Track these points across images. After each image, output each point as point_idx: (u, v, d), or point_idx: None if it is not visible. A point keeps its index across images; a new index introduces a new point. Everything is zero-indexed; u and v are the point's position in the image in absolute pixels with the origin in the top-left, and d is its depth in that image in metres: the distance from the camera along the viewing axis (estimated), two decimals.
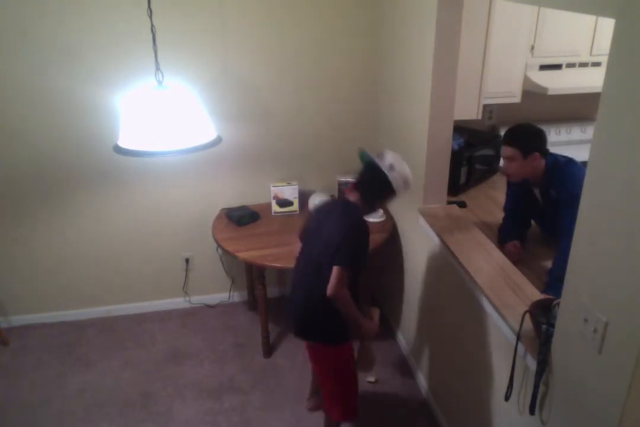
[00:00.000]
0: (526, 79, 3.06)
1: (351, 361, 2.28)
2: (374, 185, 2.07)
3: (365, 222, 2.11)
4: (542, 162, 2.30)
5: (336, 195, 3.28)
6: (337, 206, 2.18)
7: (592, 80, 3.07)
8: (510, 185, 2.56)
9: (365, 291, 3.15)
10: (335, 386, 2.31)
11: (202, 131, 2.10)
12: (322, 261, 2.04)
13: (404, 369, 2.99)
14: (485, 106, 3.11)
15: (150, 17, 2.01)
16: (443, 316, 2.49)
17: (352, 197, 2.12)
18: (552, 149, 2.38)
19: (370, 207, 2.14)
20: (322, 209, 2.28)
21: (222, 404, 2.78)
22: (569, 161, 2.31)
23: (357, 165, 2.35)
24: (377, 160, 2.05)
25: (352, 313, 2.06)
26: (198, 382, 2.92)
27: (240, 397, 2.82)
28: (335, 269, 1.97)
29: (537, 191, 2.41)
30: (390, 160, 2.03)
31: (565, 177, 2.25)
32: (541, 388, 1.59)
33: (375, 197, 2.12)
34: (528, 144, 2.27)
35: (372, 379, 2.87)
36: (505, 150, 2.30)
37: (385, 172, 2.01)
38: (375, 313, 2.28)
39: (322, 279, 2.00)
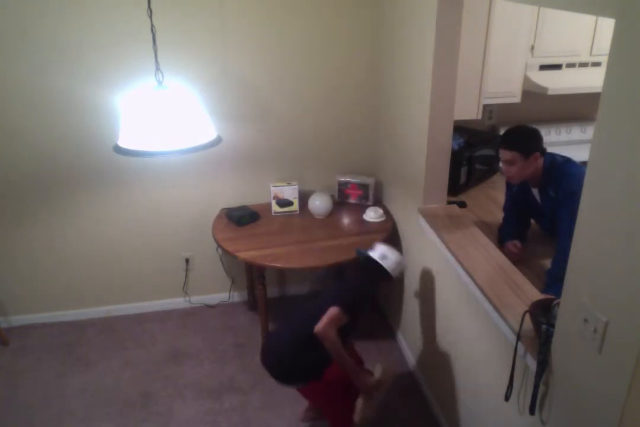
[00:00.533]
0: (526, 79, 3.06)
1: (338, 377, 2.19)
2: (373, 273, 2.29)
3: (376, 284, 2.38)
4: (541, 161, 2.30)
5: (336, 195, 3.28)
6: (364, 267, 2.36)
7: (592, 80, 3.07)
8: (509, 185, 2.56)
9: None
10: (333, 408, 2.34)
11: (202, 131, 2.10)
12: (326, 306, 2.12)
13: (404, 369, 2.99)
14: (485, 106, 3.12)
15: (150, 17, 2.01)
16: (443, 316, 2.49)
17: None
18: (552, 149, 2.38)
19: (371, 291, 2.37)
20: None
21: (222, 404, 2.78)
22: (567, 161, 2.31)
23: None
24: (371, 254, 2.30)
25: (341, 356, 2.07)
26: (198, 382, 2.92)
27: (240, 397, 2.82)
28: (332, 309, 2.07)
29: (535, 191, 2.42)
30: (381, 251, 2.29)
31: (562, 176, 2.25)
32: (541, 388, 1.59)
33: (375, 282, 2.37)
34: (527, 145, 2.26)
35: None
36: (505, 154, 2.28)
37: (379, 261, 2.26)
38: (383, 372, 2.23)
39: (316, 320, 2.07)
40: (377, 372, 2.22)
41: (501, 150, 2.31)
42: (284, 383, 2.21)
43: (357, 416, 2.16)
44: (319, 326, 2.03)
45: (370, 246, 2.39)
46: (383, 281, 2.33)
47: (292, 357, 2.13)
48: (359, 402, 2.18)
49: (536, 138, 2.29)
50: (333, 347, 2.04)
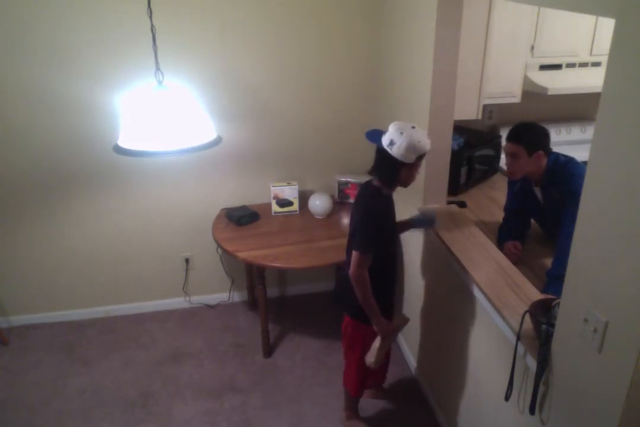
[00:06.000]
0: (526, 79, 3.06)
1: (362, 342, 2.34)
2: (382, 163, 2.07)
3: (379, 205, 2.12)
4: (545, 161, 2.30)
5: (336, 195, 3.28)
6: (361, 191, 2.24)
7: (592, 80, 3.07)
8: (511, 185, 2.55)
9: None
10: (347, 357, 2.48)
11: (202, 131, 2.10)
12: (350, 243, 2.19)
13: (404, 368, 2.99)
14: (485, 106, 3.11)
15: (150, 17, 2.01)
16: (443, 315, 2.49)
17: (375, 181, 2.16)
18: (552, 149, 2.38)
19: (391, 185, 2.13)
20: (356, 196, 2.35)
21: (222, 404, 2.78)
22: (569, 161, 2.31)
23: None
24: (382, 139, 2.02)
25: (366, 298, 2.12)
26: (198, 382, 2.92)
27: (240, 397, 2.82)
28: (353, 254, 2.10)
29: (537, 190, 2.41)
30: (389, 135, 1.99)
31: (566, 177, 2.25)
32: (541, 388, 1.59)
33: (389, 174, 2.09)
34: (533, 141, 2.27)
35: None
36: (510, 147, 2.28)
37: (386, 148, 1.99)
38: (401, 319, 2.33)
39: (349, 260, 2.16)
40: (397, 319, 2.30)
41: (506, 143, 2.31)
42: (335, 300, 2.40)
43: (371, 358, 2.25)
44: (350, 271, 2.11)
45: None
46: (399, 171, 2.05)
47: (345, 288, 2.21)
48: (374, 346, 2.24)
49: (543, 137, 2.30)
50: (360, 288, 2.11)
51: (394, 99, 2.88)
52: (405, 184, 2.14)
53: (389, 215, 2.20)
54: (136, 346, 3.21)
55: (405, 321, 2.36)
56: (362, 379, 2.47)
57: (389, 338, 2.27)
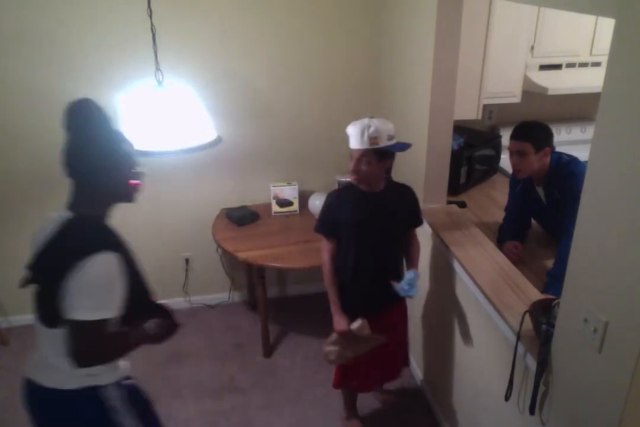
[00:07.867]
0: (526, 79, 3.06)
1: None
2: None
3: (332, 197, 2.25)
4: (549, 159, 2.30)
5: None
6: None
7: (592, 80, 3.07)
8: (512, 185, 2.55)
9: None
10: None
11: (202, 131, 2.11)
12: None
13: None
14: (485, 106, 3.11)
15: (150, 17, 2.01)
16: (443, 316, 2.49)
17: None
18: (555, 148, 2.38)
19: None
20: None
21: (222, 404, 2.78)
22: (572, 160, 2.31)
23: None
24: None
25: (326, 282, 2.22)
26: (198, 382, 2.92)
27: (240, 397, 2.82)
28: None
29: (540, 190, 2.41)
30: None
31: (568, 176, 2.25)
32: (541, 388, 1.59)
33: None
34: (540, 137, 2.27)
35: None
36: (517, 144, 2.27)
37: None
38: (364, 329, 2.11)
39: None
40: (355, 323, 2.11)
41: (513, 141, 2.29)
42: None
43: (323, 352, 2.23)
44: None
45: None
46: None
47: None
48: (328, 340, 2.21)
49: (549, 133, 2.30)
50: (323, 271, 2.24)
51: (394, 99, 2.88)
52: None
53: (344, 207, 2.16)
54: None
55: (375, 338, 2.16)
56: (340, 372, 2.41)
57: (344, 341, 2.15)
